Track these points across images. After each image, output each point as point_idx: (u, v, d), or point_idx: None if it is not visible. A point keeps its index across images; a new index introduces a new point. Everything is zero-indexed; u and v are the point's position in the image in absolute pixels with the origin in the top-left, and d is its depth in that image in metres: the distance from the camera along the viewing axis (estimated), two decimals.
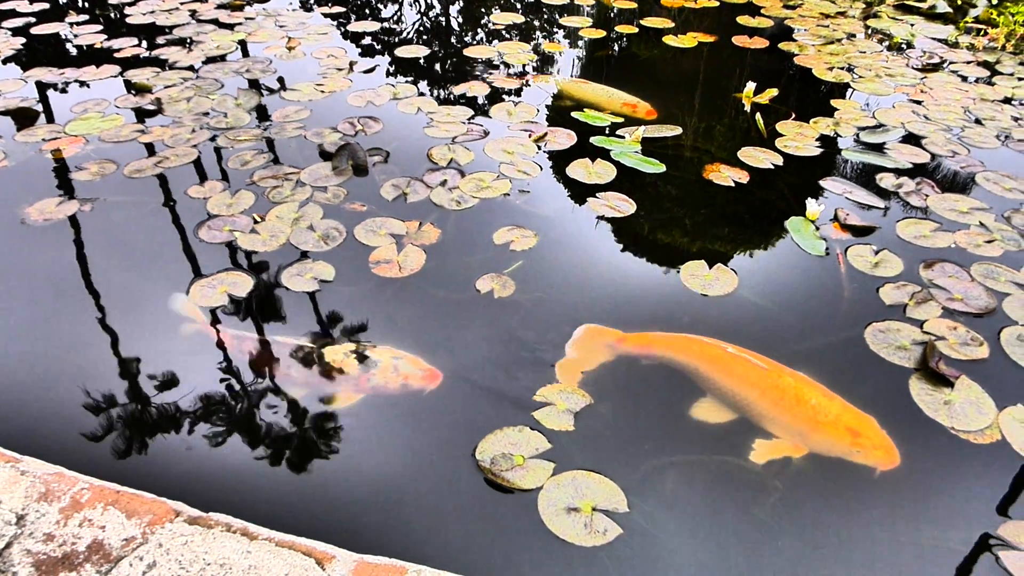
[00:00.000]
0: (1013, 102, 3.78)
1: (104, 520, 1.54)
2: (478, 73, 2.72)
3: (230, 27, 4.63)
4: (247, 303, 2.36)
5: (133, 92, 3.71)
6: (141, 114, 3.52)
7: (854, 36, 4.69)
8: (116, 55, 4.19)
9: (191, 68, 4.01)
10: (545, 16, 5.17)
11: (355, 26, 4.78)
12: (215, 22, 4.71)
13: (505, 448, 1.85)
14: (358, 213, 2.78)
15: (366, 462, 1.87)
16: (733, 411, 2.00)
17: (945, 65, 4.21)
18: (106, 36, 4.48)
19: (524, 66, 3.38)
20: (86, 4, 5.13)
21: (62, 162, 3.10)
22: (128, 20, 4.76)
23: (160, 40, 4.40)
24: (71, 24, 4.69)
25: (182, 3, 5.05)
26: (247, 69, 4.00)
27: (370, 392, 2.06)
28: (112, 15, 4.86)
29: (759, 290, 2.45)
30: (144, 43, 4.35)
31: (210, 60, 4.12)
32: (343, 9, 5.09)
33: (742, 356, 2.10)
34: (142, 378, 2.10)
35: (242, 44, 4.38)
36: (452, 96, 3.78)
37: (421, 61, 4.26)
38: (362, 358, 2.12)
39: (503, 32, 4.81)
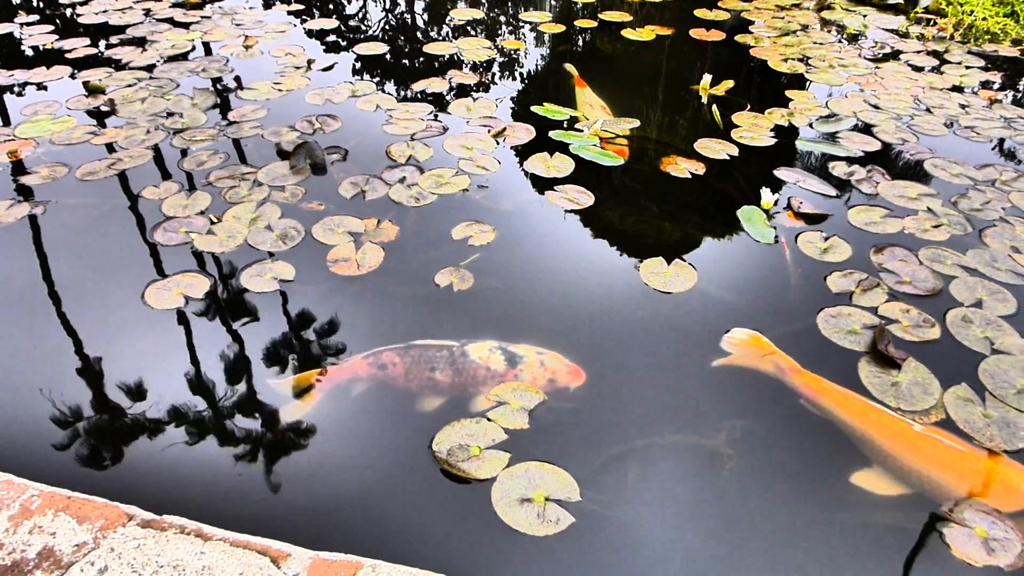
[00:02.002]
0: (966, 90, 3.88)
1: (55, 526, 1.53)
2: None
3: (186, 26, 4.56)
4: (213, 304, 2.34)
5: (86, 93, 3.64)
6: (94, 115, 3.46)
7: (808, 28, 4.77)
8: (68, 55, 4.11)
9: (146, 68, 3.95)
10: (509, 11, 5.18)
11: (313, 24, 4.74)
12: (170, 21, 4.64)
13: (462, 439, 1.86)
14: (316, 212, 2.77)
15: (324, 457, 1.87)
16: (912, 488, 1.83)
17: (877, 49, 4.30)
18: (57, 36, 4.39)
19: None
20: (39, 4, 5.02)
21: (13, 165, 3.04)
22: (80, 20, 4.67)
23: (114, 40, 4.33)
24: (21, 25, 4.59)
25: (136, 2, 4.96)
26: (203, 68, 3.95)
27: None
28: (64, 14, 4.77)
29: (716, 281, 2.49)
30: (101, 43, 4.27)
31: (169, 60, 4.06)
32: (302, 7, 5.05)
33: (932, 437, 1.92)
34: (93, 382, 2.07)
35: (204, 46, 4.33)
36: (412, 93, 3.77)
37: (385, 57, 4.24)
38: (508, 354, 2.10)
39: (465, 28, 4.81)
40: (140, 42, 4.31)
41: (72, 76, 3.87)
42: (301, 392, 2.04)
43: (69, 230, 2.69)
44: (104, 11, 4.79)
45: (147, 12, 4.79)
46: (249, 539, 1.52)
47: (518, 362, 2.08)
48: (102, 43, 4.28)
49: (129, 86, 3.73)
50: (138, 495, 1.67)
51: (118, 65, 3.99)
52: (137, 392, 2.04)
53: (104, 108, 3.50)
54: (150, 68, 3.96)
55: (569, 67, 3.99)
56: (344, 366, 2.11)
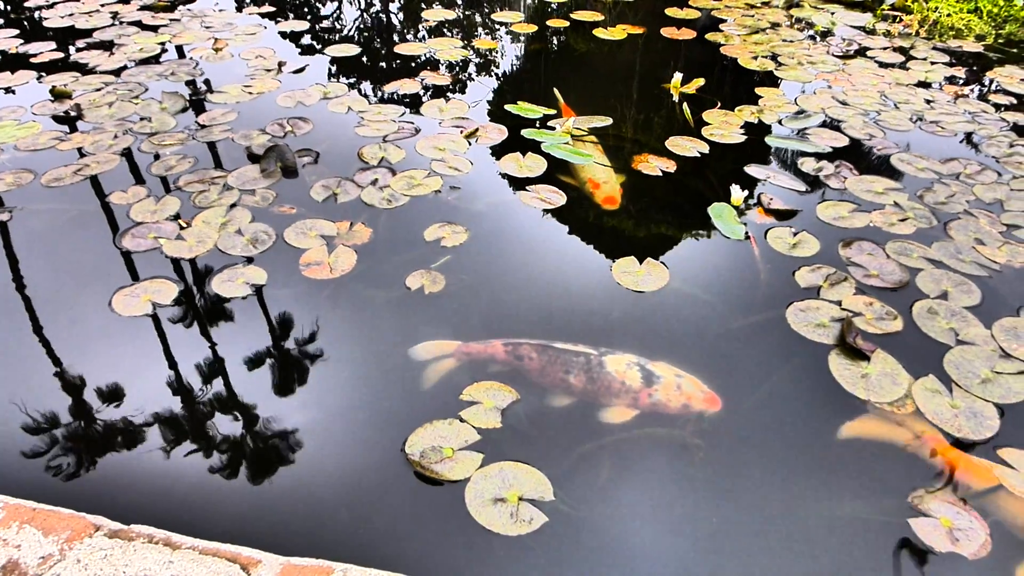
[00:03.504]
0: (933, 85, 3.94)
1: (20, 539, 1.51)
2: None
3: (154, 29, 4.51)
4: (182, 311, 2.32)
5: (52, 98, 3.59)
6: (60, 121, 3.41)
7: (778, 25, 4.82)
8: (33, 60, 4.05)
9: (114, 72, 3.90)
10: (485, 10, 5.18)
11: (284, 26, 4.71)
12: (138, 24, 4.59)
13: (435, 441, 1.86)
14: (288, 215, 2.76)
15: (294, 462, 1.85)
16: None
17: (844, 46, 4.36)
18: (23, 40, 4.32)
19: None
20: (4, 7, 4.94)
21: None
22: (46, 23, 4.60)
23: (80, 44, 4.27)
24: None
25: (103, 5, 4.90)
26: (172, 72, 3.91)
27: (649, 408, 2.00)
28: (29, 16, 4.69)
29: (687, 278, 2.50)
30: (71, 47, 4.21)
31: (138, 63, 4.01)
32: (274, 8, 5.01)
33: None
34: (58, 392, 2.04)
35: (176, 49, 4.28)
36: (385, 94, 3.76)
37: (357, 59, 4.22)
38: (645, 372, 2.06)
39: (437, 28, 4.80)
40: (107, 46, 4.25)
41: (39, 79, 3.81)
42: (439, 359, 2.12)
43: (36, 237, 2.65)
44: (70, 14, 4.72)
45: (115, 15, 4.73)
46: (219, 547, 1.51)
47: (654, 381, 2.04)
48: (71, 48, 4.22)
49: (97, 90, 3.68)
50: (106, 505, 1.65)
51: (85, 69, 3.93)
52: (104, 401, 2.01)
53: (71, 113, 3.45)
54: (118, 72, 3.91)
55: (556, 93, 3.77)
56: (485, 345, 2.16)
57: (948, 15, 4.78)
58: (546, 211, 2.85)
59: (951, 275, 2.50)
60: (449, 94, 3.77)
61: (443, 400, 2.00)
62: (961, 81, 4.04)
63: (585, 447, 1.90)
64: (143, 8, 4.85)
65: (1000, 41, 4.59)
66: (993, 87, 3.99)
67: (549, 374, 2.07)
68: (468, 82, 4.00)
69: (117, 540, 1.51)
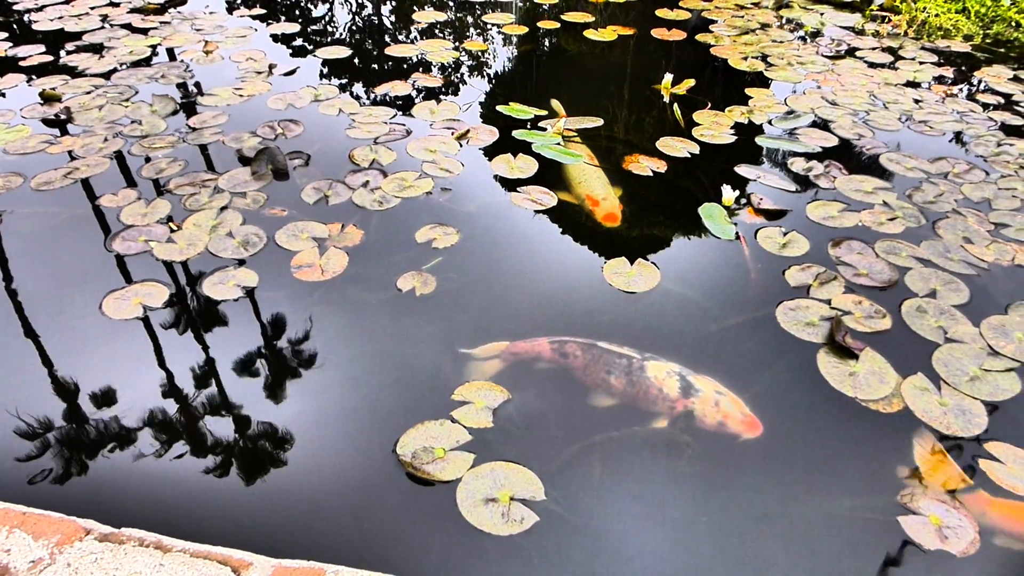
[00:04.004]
0: (923, 85, 3.97)
1: (9, 543, 1.50)
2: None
3: (144, 32, 4.50)
4: (172, 313, 2.31)
5: (41, 102, 3.57)
6: (50, 124, 3.40)
7: (768, 26, 4.84)
8: (22, 63, 4.03)
9: (104, 75, 3.89)
10: (476, 12, 5.18)
11: (275, 28, 4.70)
12: (128, 27, 4.57)
13: (426, 442, 1.86)
14: (279, 218, 2.75)
15: (285, 464, 1.85)
16: None
17: (834, 47, 4.38)
18: (11, 43, 4.30)
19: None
20: None
21: None
22: (35, 27, 4.58)
23: (70, 47, 4.25)
24: None
25: (92, 8, 4.88)
26: (162, 75, 3.90)
27: (683, 420, 1.98)
28: (18, 19, 4.67)
29: (679, 279, 2.51)
30: (58, 51, 4.20)
31: (128, 66, 4.00)
32: (264, 11, 5.00)
33: None
34: (48, 395, 2.03)
35: (167, 52, 4.27)
36: (376, 96, 3.76)
37: (348, 61, 4.22)
38: (684, 383, 2.04)
39: (428, 30, 4.80)
40: (97, 49, 4.24)
41: (28, 82, 3.79)
42: (489, 358, 2.15)
43: (25, 240, 2.64)
44: (59, 17, 4.71)
45: (104, 18, 4.72)
46: (209, 549, 1.50)
47: (692, 394, 2.02)
48: (60, 51, 4.21)
49: (86, 93, 3.67)
50: (96, 509, 1.64)
51: (74, 72, 3.92)
52: (94, 404, 2.01)
53: (61, 116, 3.44)
54: (108, 75, 3.89)
55: (556, 104, 3.61)
56: (531, 345, 2.18)
57: (936, 15, 4.81)
58: (537, 212, 2.85)
59: (940, 274, 2.52)
60: (440, 96, 3.78)
61: (434, 401, 2.00)
62: (949, 81, 4.07)
63: (574, 447, 1.90)
64: (133, 11, 4.84)
65: (988, 41, 4.62)
66: (981, 87, 4.02)
67: (591, 373, 2.09)
68: (460, 84, 4.01)
69: (107, 543, 1.51)
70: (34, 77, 3.86)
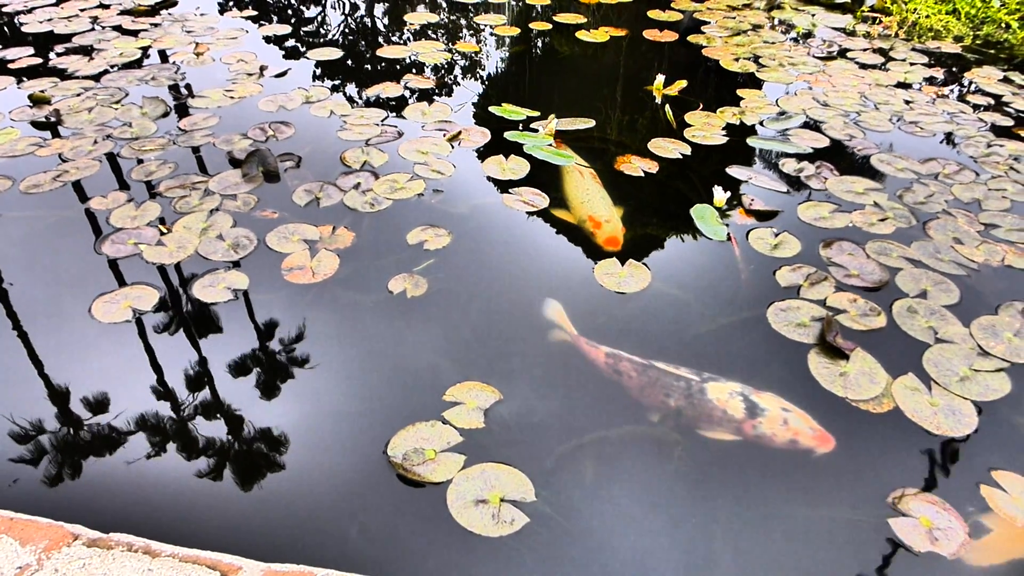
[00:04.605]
0: (914, 86, 3.98)
1: None
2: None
3: (134, 34, 4.48)
4: (162, 316, 2.30)
5: (30, 104, 3.55)
6: (40, 126, 3.38)
7: (759, 27, 4.85)
8: (11, 66, 4.01)
9: (93, 77, 3.87)
10: (469, 13, 5.18)
11: (267, 30, 4.69)
12: (118, 29, 4.55)
13: (417, 443, 1.86)
14: (270, 220, 2.74)
15: (275, 467, 1.84)
16: None
17: (825, 48, 4.40)
18: (1, 46, 4.28)
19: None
20: None
21: None
22: (24, 29, 4.56)
23: (59, 49, 4.23)
24: None
25: (83, 10, 4.86)
26: (153, 77, 3.89)
27: (752, 440, 1.94)
28: (8, 22, 4.65)
29: (670, 280, 2.51)
30: (46, 52, 4.18)
31: (118, 68, 3.98)
32: (256, 12, 4.99)
33: None
34: (36, 399, 2.02)
35: (158, 54, 4.25)
36: (368, 98, 3.75)
37: (340, 62, 4.21)
38: (748, 403, 1.99)
39: (420, 31, 4.80)
40: (87, 51, 4.22)
41: (17, 85, 3.77)
42: (559, 329, 2.25)
43: (14, 244, 2.62)
44: (49, 19, 4.68)
45: (94, 20, 4.70)
46: (198, 554, 1.50)
47: (758, 414, 1.97)
48: (48, 52, 4.18)
49: (76, 95, 3.65)
50: (85, 514, 1.63)
51: (64, 75, 3.90)
52: (83, 408, 1.99)
53: (51, 119, 3.42)
54: (98, 77, 3.88)
55: (574, 160, 3.21)
56: (590, 348, 2.19)
57: (927, 16, 4.83)
58: (530, 213, 2.85)
59: (930, 274, 2.53)
60: (433, 97, 3.77)
61: (426, 402, 2.00)
62: (940, 82, 4.09)
63: (565, 446, 1.90)
64: (123, 12, 4.82)
65: (978, 42, 4.64)
66: (971, 88, 4.04)
67: (648, 395, 2.04)
68: (452, 86, 4.00)
69: (96, 549, 1.50)
70: (25, 79, 3.84)
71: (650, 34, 4.69)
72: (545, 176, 3.08)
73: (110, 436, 1.92)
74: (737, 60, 4.26)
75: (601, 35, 4.63)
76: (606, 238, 2.70)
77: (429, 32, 4.80)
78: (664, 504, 1.78)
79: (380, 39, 4.73)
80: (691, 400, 2.01)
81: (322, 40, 4.63)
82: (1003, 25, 4.79)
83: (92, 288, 2.40)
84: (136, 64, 4.06)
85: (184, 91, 3.75)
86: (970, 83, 4.08)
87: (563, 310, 2.30)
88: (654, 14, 5.02)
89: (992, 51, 4.52)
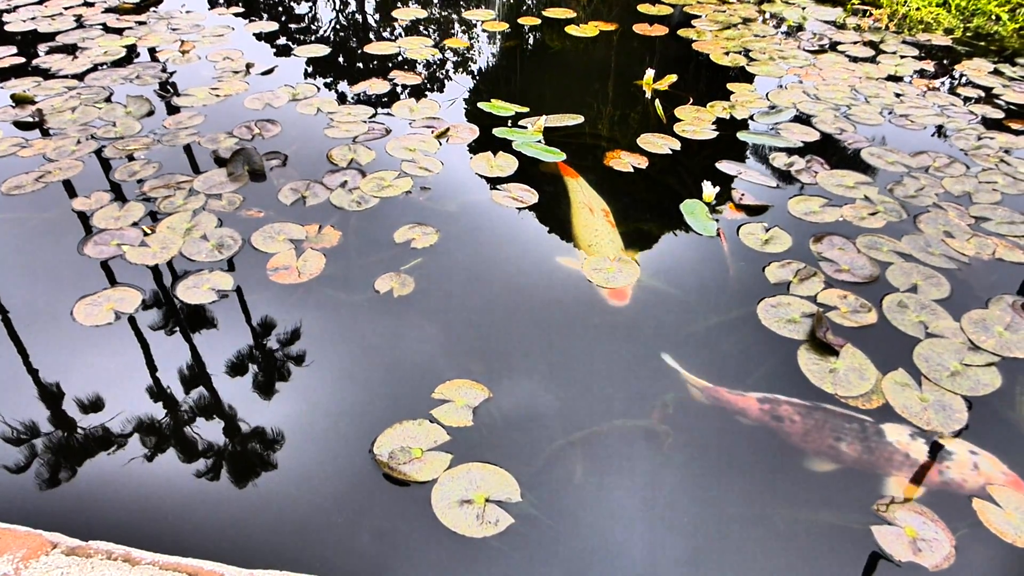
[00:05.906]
0: (905, 79, 3.97)
1: None
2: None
3: (119, 32, 4.43)
4: (146, 318, 2.27)
5: (13, 104, 3.51)
6: (22, 127, 3.34)
7: (750, 21, 4.83)
8: None
9: (77, 76, 3.83)
10: (459, 7, 5.14)
11: (253, 27, 4.64)
12: (103, 27, 4.50)
13: (404, 442, 1.84)
14: (255, 219, 2.71)
15: (257, 469, 1.82)
16: None
17: (815, 41, 4.38)
18: None
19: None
20: None
21: None
22: (7, 28, 4.50)
23: (43, 48, 4.18)
24: None
25: (67, 8, 4.81)
26: (137, 75, 3.84)
27: (939, 487, 1.81)
28: None
29: (660, 276, 2.50)
30: (30, 51, 4.13)
31: (101, 67, 3.94)
32: (243, 9, 4.94)
33: None
34: (13, 405, 1.99)
35: (137, 49, 4.20)
36: (355, 95, 3.72)
37: (327, 59, 4.17)
38: (932, 445, 1.87)
39: (411, 27, 4.76)
40: (71, 49, 4.17)
41: (1, 83, 3.73)
42: (686, 382, 2.07)
43: None
44: (32, 18, 4.63)
45: (78, 18, 4.64)
46: (179, 561, 1.47)
47: (944, 457, 1.86)
48: (32, 51, 4.13)
49: (59, 95, 3.61)
50: (64, 522, 1.61)
51: (48, 74, 3.85)
52: (61, 414, 1.96)
53: (34, 119, 3.38)
54: (82, 76, 3.83)
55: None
56: (736, 397, 2.02)
57: (917, 9, 4.81)
58: (519, 210, 2.83)
59: (921, 268, 2.51)
60: (421, 93, 3.74)
61: (414, 399, 1.97)
62: (930, 74, 4.07)
63: (555, 444, 1.88)
64: (108, 10, 4.76)
65: (968, 35, 4.63)
66: (962, 80, 4.02)
67: (815, 440, 1.91)
68: (442, 81, 3.97)
69: (75, 557, 1.47)
70: (11, 78, 3.79)
71: (640, 28, 4.66)
72: (534, 172, 3.06)
73: (89, 442, 1.89)
74: (727, 54, 4.24)
75: (591, 30, 4.61)
76: (610, 291, 2.44)
77: (420, 28, 4.76)
78: (652, 504, 1.76)
79: (369, 35, 4.68)
80: (867, 443, 1.89)
81: (312, 37, 4.59)
82: (993, 17, 4.77)
83: (74, 290, 2.36)
84: (121, 63, 4.01)
85: (169, 90, 3.70)
86: (961, 76, 4.07)
87: (677, 363, 2.11)
88: (644, 8, 4.99)
89: (982, 43, 4.51)
